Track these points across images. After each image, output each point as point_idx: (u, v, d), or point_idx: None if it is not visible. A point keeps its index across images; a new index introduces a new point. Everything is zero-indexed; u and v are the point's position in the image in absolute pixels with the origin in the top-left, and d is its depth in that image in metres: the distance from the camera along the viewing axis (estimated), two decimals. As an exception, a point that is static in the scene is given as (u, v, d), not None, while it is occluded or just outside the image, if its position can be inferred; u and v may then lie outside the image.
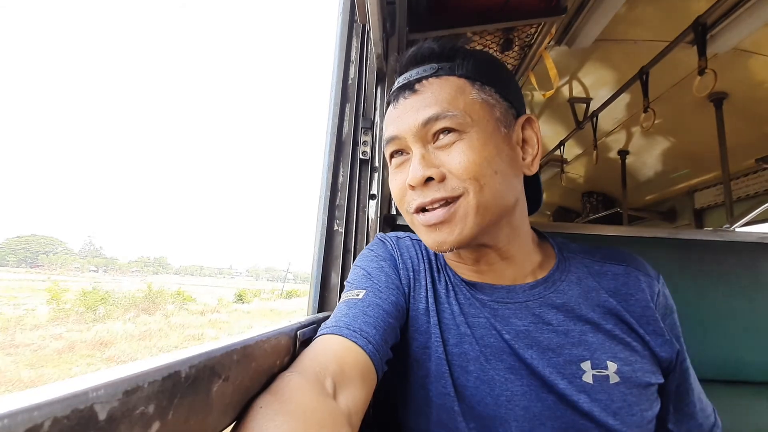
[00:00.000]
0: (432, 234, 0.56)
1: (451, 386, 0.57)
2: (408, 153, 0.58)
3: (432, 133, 0.55)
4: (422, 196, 0.55)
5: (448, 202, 0.54)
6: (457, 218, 0.54)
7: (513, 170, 0.57)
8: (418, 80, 0.58)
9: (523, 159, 0.59)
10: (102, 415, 0.19)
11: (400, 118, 0.57)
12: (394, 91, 0.61)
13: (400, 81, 0.61)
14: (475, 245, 0.59)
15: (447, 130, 0.54)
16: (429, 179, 0.54)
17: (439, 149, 0.55)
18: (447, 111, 0.54)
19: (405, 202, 0.59)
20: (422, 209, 0.56)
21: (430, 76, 0.57)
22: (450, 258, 0.66)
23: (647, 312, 0.60)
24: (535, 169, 0.60)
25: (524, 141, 0.60)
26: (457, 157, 0.53)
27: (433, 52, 0.59)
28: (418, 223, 0.58)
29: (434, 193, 0.54)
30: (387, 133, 0.60)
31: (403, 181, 0.58)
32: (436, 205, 0.54)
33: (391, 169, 0.62)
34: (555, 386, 0.55)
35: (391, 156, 0.61)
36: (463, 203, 0.53)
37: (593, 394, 0.54)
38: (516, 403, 0.55)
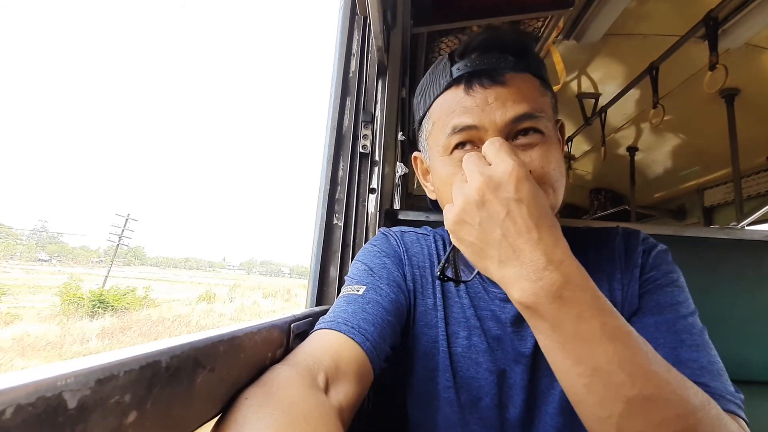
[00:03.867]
0: None
1: (451, 379, 0.58)
2: (477, 145, 0.54)
3: (516, 130, 0.53)
4: None
5: None
6: None
7: (565, 173, 0.56)
8: (500, 70, 0.54)
9: None
10: (72, 404, 0.19)
11: (481, 109, 0.52)
12: (464, 75, 0.55)
13: (468, 65, 0.55)
14: None
15: (532, 130, 0.52)
16: None
17: (518, 147, 0.52)
18: (537, 111, 0.52)
19: None
20: None
21: (511, 69, 0.54)
22: None
23: (631, 276, 0.59)
24: None
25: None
26: (538, 160, 0.52)
27: (514, 43, 0.55)
28: None
29: None
30: (457, 120, 0.54)
31: None
32: None
33: (449, 159, 0.56)
34: None
35: (455, 147, 0.55)
36: None
37: None
38: (517, 391, 0.56)
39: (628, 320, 0.54)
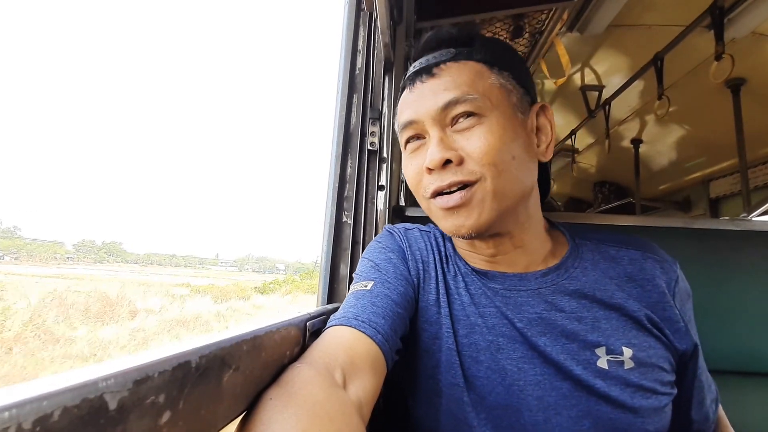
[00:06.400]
0: (449, 218, 0.56)
1: (461, 377, 0.57)
2: (424, 137, 0.58)
3: (451, 116, 0.55)
4: (440, 179, 0.55)
5: (465, 186, 0.54)
6: (474, 202, 0.54)
7: (529, 156, 0.57)
8: (436, 64, 0.57)
9: (537, 146, 0.59)
10: (112, 405, 0.19)
11: (417, 102, 0.57)
12: (410, 76, 0.60)
13: (416, 66, 0.60)
14: (492, 233, 0.58)
15: (467, 114, 0.54)
16: (447, 162, 0.54)
17: (457, 133, 0.55)
18: (467, 94, 0.54)
19: (421, 187, 0.58)
20: (439, 193, 0.56)
21: (449, 60, 0.57)
22: (463, 247, 0.65)
23: (663, 298, 0.59)
24: (549, 155, 0.60)
25: (538, 128, 0.60)
26: (476, 142, 0.53)
27: (452, 37, 0.59)
28: (435, 207, 0.57)
29: (452, 176, 0.54)
30: (403, 117, 0.59)
31: (419, 165, 0.57)
32: (453, 189, 0.54)
33: (405, 154, 0.61)
34: (570, 372, 0.54)
35: (407, 141, 0.60)
36: (481, 188, 0.53)
37: (608, 379, 0.54)
38: (529, 392, 0.55)
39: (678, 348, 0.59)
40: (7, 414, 0.14)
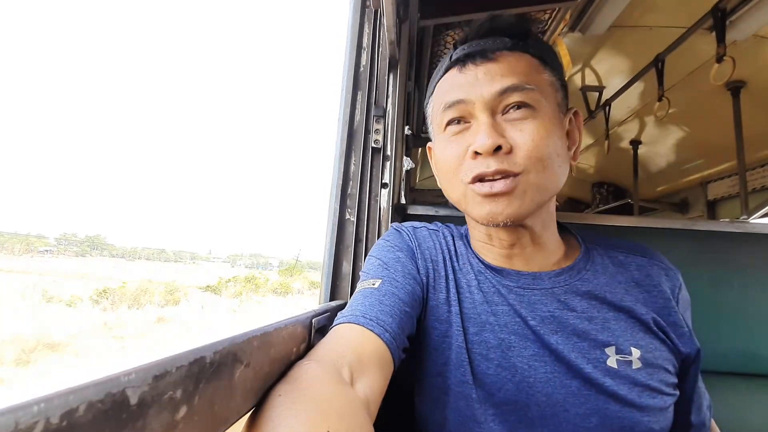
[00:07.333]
0: (488, 204, 0.55)
1: (469, 374, 0.57)
2: (468, 121, 0.57)
3: (505, 104, 0.55)
4: (485, 165, 0.54)
5: (508, 176, 0.53)
6: (517, 192, 0.54)
7: (566, 155, 0.58)
8: (493, 50, 0.57)
9: (568, 149, 0.60)
10: (133, 400, 0.19)
11: (471, 84, 0.56)
12: (460, 57, 0.59)
13: (465, 48, 0.59)
14: (518, 225, 0.59)
15: (520, 105, 0.54)
16: (497, 149, 0.53)
17: (508, 122, 0.54)
18: (526, 84, 0.54)
19: (461, 171, 0.57)
20: (480, 179, 0.55)
21: (505, 48, 0.57)
22: (481, 240, 0.65)
23: (668, 304, 0.60)
24: (576, 160, 0.62)
25: (569, 132, 0.61)
26: (527, 134, 0.53)
27: (511, 26, 0.59)
28: (473, 193, 0.56)
29: (499, 163, 0.53)
30: (449, 97, 0.58)
31: (462, 149, 0.56)
32: (497, 176, 0.54)
33: (444, 137, 0.60)
34: (581, 370, 0.55)
35: (448, 123, 0.59)
36: (524, 180, 0.54)
37: (617, 377, 0.54)
38: (538, 389, 0.55)
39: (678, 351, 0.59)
40: (36, 408, 0.15)
